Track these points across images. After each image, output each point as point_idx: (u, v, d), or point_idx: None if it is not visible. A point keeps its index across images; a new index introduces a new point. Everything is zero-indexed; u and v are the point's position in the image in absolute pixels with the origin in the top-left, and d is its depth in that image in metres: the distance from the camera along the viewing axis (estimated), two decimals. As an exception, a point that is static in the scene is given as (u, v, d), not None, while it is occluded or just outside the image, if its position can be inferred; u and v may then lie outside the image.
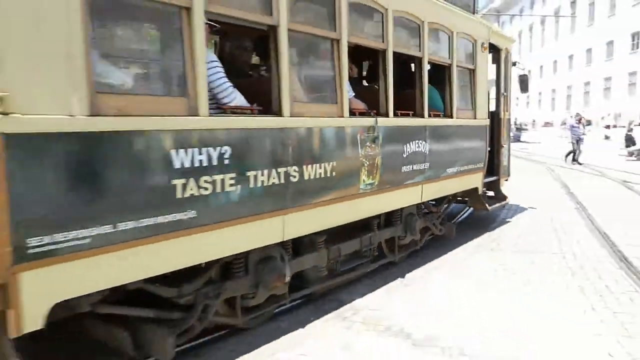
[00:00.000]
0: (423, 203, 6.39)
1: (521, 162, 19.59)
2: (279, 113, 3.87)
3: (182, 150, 3.14)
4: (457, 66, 6.51)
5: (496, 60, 8.43)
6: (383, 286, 5.28)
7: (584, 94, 51.49)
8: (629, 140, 21.70)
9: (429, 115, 5.91)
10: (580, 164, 18.41)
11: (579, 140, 19.31)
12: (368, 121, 4.85)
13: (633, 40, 43.19)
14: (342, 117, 4.51)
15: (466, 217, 9.17)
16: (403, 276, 5.60)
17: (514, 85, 9.20)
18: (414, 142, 5.63)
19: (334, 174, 4.39)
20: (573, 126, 20.15)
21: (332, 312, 4.59)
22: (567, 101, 55.70)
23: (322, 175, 4.28)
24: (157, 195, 3.04)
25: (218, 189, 3.38)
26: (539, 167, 17.56)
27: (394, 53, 5.17)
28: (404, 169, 5.48)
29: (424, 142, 5.81)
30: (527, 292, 5.07)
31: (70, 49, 2.57)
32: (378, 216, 5.48)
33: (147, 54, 3.53)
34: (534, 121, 50.69)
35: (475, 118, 7.19)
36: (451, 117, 6.47)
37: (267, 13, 3.68)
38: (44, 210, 2.55)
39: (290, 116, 3.93)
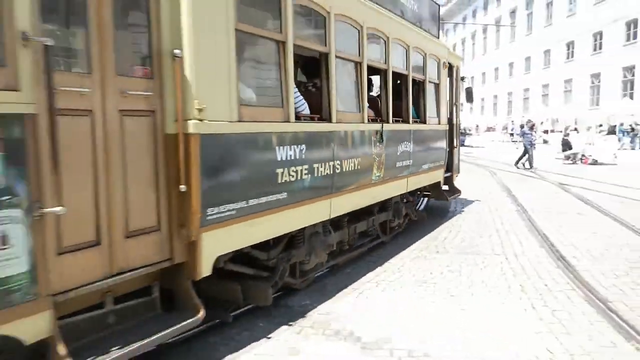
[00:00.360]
0: (406, 193, 7.69)
1: (467, 166, 20.15)
2: (329, 119, 5.14)
3: (281, 147, 4.32)
4: (429, 81, 8.08)
5: (450, 75, 9.75)
6: (333, 290, 5.31)
7: (524, 100, 53.59)
8: (566, 145, 22.67)
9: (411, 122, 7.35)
10: (532, 168, 18.85)
11: (531, 146, 19.58)
12: (377, 126, 6.20)
13: (568, 49, 45.32)
14: (363, 122, 5.88)
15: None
16: (353, 281, 5.65)
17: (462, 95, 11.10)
18: (403, 143, 7.05)
19: (359, 167, 5.70)
20: (525, 132, 20.36)
21: (281, 317, 4.58)
22: (508, 107, 57.83)
23: (352, 168, 5.56)
24: (269, 180, 4.20)
25: (298, 177, 4.56)
26: (482, 171, 18.12)
27: (387, 71, 6.61)
28: (397, 164, 6.84)
29: (409, 143, 7.23)
30: (472, 293, 5.22)
31: (230, 78, 3.78)
32: (377, 203, 6.60)
33: (262, 76, 4.64)
34: (477, 126, 52.34)
35: (439, 124, 8.81)
36: (425, 123, 7.97)
37: (323, 44, 5.09)
38: (217, 189, 3.66)
39: (336, 122, 5.21)
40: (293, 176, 4.48)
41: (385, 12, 6.48)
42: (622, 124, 33.32)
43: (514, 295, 5.13)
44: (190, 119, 3.42)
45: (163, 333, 3.25)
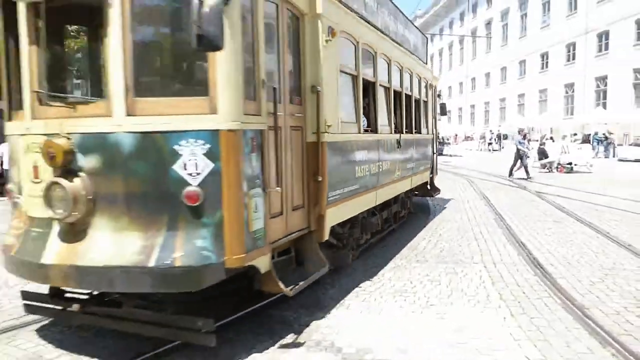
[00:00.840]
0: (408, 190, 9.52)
1: (446, 175, 20.34)
2: (375, 131, 7.13)
3: (357, 151, 6.25)
4: (422, 100, 10.46)
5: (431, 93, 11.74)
6: (314, 302, 5.30)
7: (500, 109, 54.40)
8: (542, 154, 23.02)
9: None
10: (529, 177, 18.40)
11: (524, 156, 19.19)
12: (397, 135, 8.13)
13: (542, 59, 46.20)
14: (392, 133, 7.95)
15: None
16: (333, 292, 5.65)
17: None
18: (410, 149, 9.08)
19: (390, 167, 7.66)
20: (520, 142, 19.70)
21: (261, 328, 4.55)
22: (485, 116, 58.64)
23: (387, 168, 7.50)
24: (352, 174, 6.05)
25: (364, 173, 6.45)
26: (461, 180, 18.29)
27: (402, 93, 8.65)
28: (407, 166, 8.82)
29: (413, 149, 9.33)
30: (451, 302, 5.26)
31: (337, 104, 5.62)
32: (395, 196, 8.48)
33: (347, 101, 6.17)
34: (456, 135, 52.90)
35: (429, 133, 11.23)
36: (420, 132, 10.17)
37: (373, 76, 7.08)
38: (334, 179, 5.38)
39: (379, 133, 7.23)
40: (361, 172, 6.38)
41: (403, 49, 8.88)
42: (596, 133, 34.00)
43: (493, 304, 5.17)
44: (323, 132, 5.14)
45: (316, 274, 4.98)
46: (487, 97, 57.64)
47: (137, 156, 3.70)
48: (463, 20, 63.98)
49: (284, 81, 4.73)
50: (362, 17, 6.63)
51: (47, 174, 3.84)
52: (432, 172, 11.52)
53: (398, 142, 8.11)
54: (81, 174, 3.74)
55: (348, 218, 6.07)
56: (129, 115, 3.69)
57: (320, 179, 5.09)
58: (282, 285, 4.26)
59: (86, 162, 3.78)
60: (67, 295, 4.38)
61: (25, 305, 4.45)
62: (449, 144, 42.96)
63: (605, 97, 37.28)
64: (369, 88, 7.07)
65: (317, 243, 5.20)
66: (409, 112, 9.21)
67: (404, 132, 8.58)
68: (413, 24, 10.85)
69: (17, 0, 3.92)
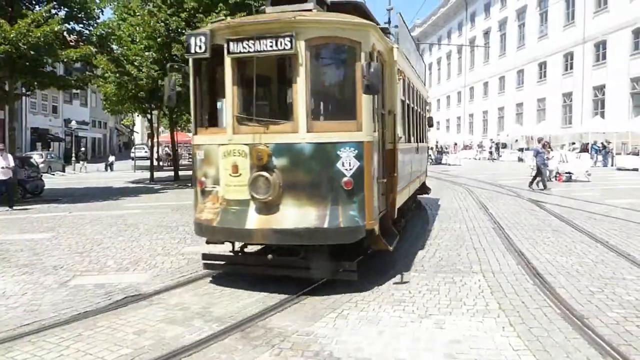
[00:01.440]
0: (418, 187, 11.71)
1: (445, 185, 20.34)
2: (409, 141, 9.07)
3: (407, 155, 8.47)
4: (424, 116, 12.46)
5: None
6: (312, 311, 5.27)
7: (499, 118, 54.48)
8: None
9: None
10: (546, 189, 17.59)
11: (543, 165, 18.30)
12: (416, 144, 10.29)
13: (540, 69, 46.37)
14: (415, 142, 10.08)
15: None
16: (332, 301, 5.62)
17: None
18: (420, 154, 11.55)
19: (413, 168, 9.60)
20: (539, 152, 18.68)
21: (260, 339, 4.53)
22: (484, 125, 58.72)
23: (413, 169, 9.62)
24: (404, 171, 7.96)
25: (408, 172, 8.58)
26: (460, 189, 18.30)
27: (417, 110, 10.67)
28: (419, 167, 11.07)
29: (421, 154, 11.69)
30: (450, 312, 5.23)
31: (402, 123, 8.10)
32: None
33: (402, 121, 8.18)
34: (455, 144, 53.02)
35: (426, 143, 13.94)
36: (424, 142, 12.77)
37: (409, 100, 9.01)
38: (400, 175, 7.49)
39: (412, 142, 9.50)
40: (407, 171, 8.50)
41: (418, 77, 11.17)
42: (595, 142, 34.08)
43: (492, 313, 5.15)
44: (396, 142, 7.31)
45: (395, 240, 6.95)
46: (485, 106, 57.82)
47: (313, 158, 5.86)
48: (461, 30, 64.29)
49: (379, 108, 6.74)
50: (408, 60, 9.07)
51: (245, 170, 5.90)
52: (425, 175, 13.71)
53: (417, 149, 10.36)
54: (275, 170, 5.79)
55: (401, 205, 8.03)
56: (308, 132, 5.83)
57: (395, 174, 7.20)
58: (386, 243, 6.41)
59: (278, 162, 5.84)
60: (244, 251, 6.78)
61: (205, 264, 6.69)
62: (448, 152, 43.00)
63: (603, 107, 37.42)
64: (405, 108, 8.74)
65: (390, 220, 7.14)
66: (419, 125, 11.19)
67: (418, 141, 10.78)
68: (419, 52, 14.64)
69: (226, 55, 5.98)
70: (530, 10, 47.46)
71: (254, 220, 5.88)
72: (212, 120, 6.90)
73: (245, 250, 6.82)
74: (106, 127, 63.90)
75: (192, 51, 6.19)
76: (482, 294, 5.82)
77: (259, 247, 7.04)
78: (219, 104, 6.81)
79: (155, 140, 33.57)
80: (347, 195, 5.81)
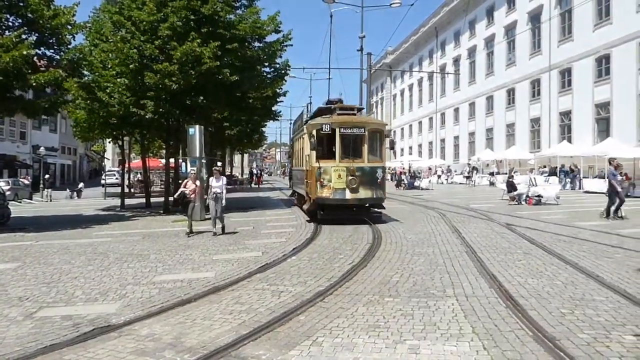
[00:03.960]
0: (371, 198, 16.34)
1: (418, 209, 20.49)
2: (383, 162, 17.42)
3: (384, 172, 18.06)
4: (383, 142, 16.88)
5: (384, 137, 17.20)
6: (286, 339, 5.21)
7: (469, 143, 55.47)
8: (510, 186, 23.47)
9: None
10: (610, 215, 15.93)
11: (617, 191, 16.01)
12: (377, 163, 16.39)
13: (509, 95, 47.59)
14: (379, 161, 16.66)
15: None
16: (306, 328, 5.56)
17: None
18: (378, 172, 16.12)
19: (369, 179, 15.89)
20: (613, 174, 16.35)
21: (233, 370, 4.44)
22: (455, 150, 59.70)
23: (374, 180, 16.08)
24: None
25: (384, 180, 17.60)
26: (433, 213, 18.46)
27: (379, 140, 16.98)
28: (377, 181, 15.99)
29: (380, 172, 16.22)
30: (424, 337, 5.23)
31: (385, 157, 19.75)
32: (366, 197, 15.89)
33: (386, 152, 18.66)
34: (429, 168, 53.65)
35: (384, 161, 17.26)
36: (382, 160, 16.84)
37: (361, 132, 16.28)
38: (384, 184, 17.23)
39: (384, 162, 17.38)
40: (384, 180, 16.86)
41: (380, 123, 19.10)
42: (563, 166, 34.89)
43: (466, 337, 5.16)
44: (385, 165, 18.01)
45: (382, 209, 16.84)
46: (456, 131, 58.88)
47: (369, 172, 15.58)
48: (432, 58, 65.75)
49: (384, 151, 16.84)
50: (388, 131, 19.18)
51: (344, 176, 15.21)
52: (384, 189, 16.87)
53: (383, 168, 16.73)
54: (357, 176, 15.20)
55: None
56: (367, 162, 15.77)
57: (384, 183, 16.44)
58: (385, 208, 16.92)
59: (357, 173, 15.33)
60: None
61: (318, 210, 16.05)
62: (420, 177, 43.43)
63: (569, 131, 38.47)
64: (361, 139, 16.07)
65: (382, 203, 16.41)
66: (381, 149, 16.91)
67: (381, 162, 16.77)
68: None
69: (336, 130, 15.44)
70: (498, 39, 48.88)
71: (348, 196, 15.30)
72: (324, 155, 15.96)
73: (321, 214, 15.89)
74: (76, 154, 62.92)
75: (323, 130, 15.49)
76: (455, 318, 5.84)
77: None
78: (331, 150, 15.83)
79: (126, 166, 33.17)
80: (380, 186, 15.95)
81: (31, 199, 34.44)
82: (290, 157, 28.32)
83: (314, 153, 15.53)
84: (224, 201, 13.70)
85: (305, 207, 17.74)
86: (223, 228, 13.87)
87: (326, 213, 15.66)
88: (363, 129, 15.55)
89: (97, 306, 6.71)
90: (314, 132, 15.48)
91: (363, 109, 21.20)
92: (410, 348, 4.91)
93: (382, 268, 8.74)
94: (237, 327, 5.64)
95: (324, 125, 15.45)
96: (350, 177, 15.02)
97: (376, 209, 16.52)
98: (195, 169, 16.53)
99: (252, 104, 23.76)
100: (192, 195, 14.21)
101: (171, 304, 6.64)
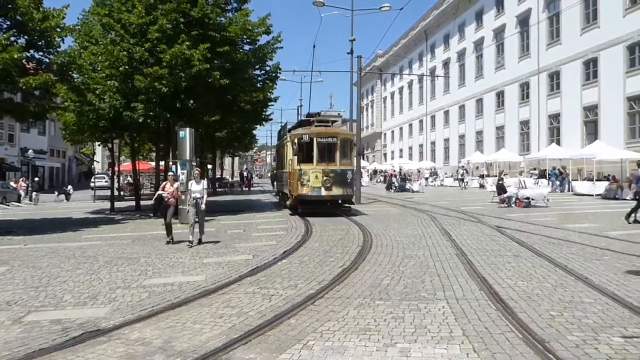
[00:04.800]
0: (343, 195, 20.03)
1: (410, 212, 20.55)
2: (351, 165, 21.61)
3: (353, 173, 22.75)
4: (351, 149, 21.11)
5: (353, 145, 21.66)
6: (276, 343, 5.20)
7: (459, 146, 55.73)
8: (500, 189, 23.61)
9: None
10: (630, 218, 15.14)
11: None
12: (347, 166, 20.14)
13: (498, 98, 47.87)
14: (349, 165, 20.59)
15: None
16: (297, 332, 5.56)
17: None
18: (347, 174, 19.83)
19: (340, 179, 19.66)
20: (639, 177, 15.26)
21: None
22: (445, 153, 59.91)
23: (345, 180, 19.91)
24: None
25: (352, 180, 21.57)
26: (424, 216, 18.53)
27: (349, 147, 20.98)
28: (347, 181, 19.78)
29: (349, 174, 20.04)
30: (415, 339, 5.24)
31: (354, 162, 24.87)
32: (340, 195, 19.73)
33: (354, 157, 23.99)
34: (418, 170, 53.76)
35: (353, 165, 21.64)
36: (352, 164, 21.09)
37: (334, 140, 20.35)
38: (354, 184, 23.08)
39: (352, 165, 21.66)
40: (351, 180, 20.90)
41: (350, 134, 23.38)
42: (554, 168, 35.16)
43: (457, 340, 5.18)
44: (354, 168, 22.72)
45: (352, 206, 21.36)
46: (446, 134, 59.14)
47: (341, 173, 19.29)
48: (422, 61, 65.98)
49: (353, 156, 21.75)
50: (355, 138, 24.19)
51: (320, 177, 18.77)
52: (352, 192, 20.94)
53: (352, 171, 20.47)
54: (331, 177, 18.82)
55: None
56: (339, 165, 19.36)
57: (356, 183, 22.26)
58: (355, 203, 22.02)
59: (331, 174, 18.96)
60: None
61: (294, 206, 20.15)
62: (410, 180, 43.53)
63: (558, 134, 38.78)
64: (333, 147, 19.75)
65: (352, 200, 20.90)
66: (350, 154, 20.91)
67: (339, 166, 19.51)
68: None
69: (313, 139, 19.04)
70: (487, 42, 49.20)
71: (323, 193, 18.82)
72: (303, 160, 18.99)
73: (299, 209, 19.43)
74: (65, 156, 62.48)
75: (303, 140, 18.92)
76: (446, 320, 5.86)
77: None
78: (310, 155, 19.14)
79: (116, 169, 32.99)
80: (349, 185, 19.87)
81: (19, 202, 34.11)
82: (276, 162, 35.24)
83: (295, 158, 19.12)
84: (203, 205, 12.55)
85: (288, 202, 21.22)
86: (200, 239, 12.45)
87: (305, 207, 19.19)
88: (336, 138, 19.38)
89: (87, 310, 6.67)
90: (296, 141, 19.16)
91: (337, 121, 25.69)
92: (400, 351, 4.92)
93: (373, 271, 8.75)
94: (228, 330, 5.63)
95: (303, 135, 19.09)
96: (325, 178, 18.74)
97: (346, 204, 20.31)
98: (172, 173, 16.00)
99: (242, 107, 23.74)
100: (171, 199, 13.00)
101: (161, 308, 6.61)
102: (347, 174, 19.48)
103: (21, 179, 37.14)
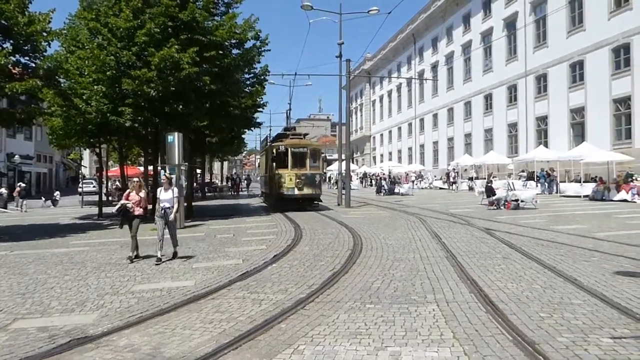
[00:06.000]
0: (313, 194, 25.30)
1: (399, 215, 20.59)
2: (321, 170, 27.85)
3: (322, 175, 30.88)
4: (320, 157, 26.85)
5: (320, 154, 26.97)
6: (267, 347, 5.16)
7: (448, 148, 55.94)
8: (489, 191, 23.73)
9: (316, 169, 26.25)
10: None
11: None
12: (316, 171, 25.49)
13: (486, 101, 48.14)
14: (318, 170, 26.01)
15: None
16: (287, 336, 5.53)
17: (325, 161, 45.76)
18: (316, 177, 25.17)
19: (309, 180, 24.85)
20: None
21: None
22: (434, 155, 60.12)
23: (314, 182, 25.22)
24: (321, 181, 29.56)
25: (320, 181, 27.51)
26: (413, 219, 18.56)
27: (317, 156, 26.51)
28: (316, 182, 25.05)
29: (318, 177, 25.48)
30: (406, 343, 5.23)
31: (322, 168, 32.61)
32: (309, 194, 24.84)
33: (321, 163, 29.68)
34: (406, 174, 53.94)
35: (321, 170, 27.18)
36: (320, 169, 26.29)
37: (304, 149, 26.25)
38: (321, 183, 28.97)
39: (321, 170, 28.77)
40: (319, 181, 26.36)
41: (318, 145, 31.82)
42: (542, 170, 35.41)
43: (447, 343, 5.18)
44: (324, 172, 39.65)
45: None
46: (435, 137, 59.37)
47: (310, 176, 24.47)
48: (410, 64, 66.28)
49: (322, 163, 27.62)
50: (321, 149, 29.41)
51: (293, 180, 23.82)
52: (320, 191, 25.77)
53: (320, 175, 25.78)
54: (302, 179, 24.10)
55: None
56: (309, 170, 24.53)
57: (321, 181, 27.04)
58: (322, 201, 26.55)
59: (303, 177, 24.02)
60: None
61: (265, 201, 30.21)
62: (400, 183, 43.63)
63: (546, 136, 39.07)
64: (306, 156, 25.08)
65: (320, 198, 25.86)
66: (320, 160, 25.60)
67: (311, 170, 24.66)
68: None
69: (288, 149, 24.25)
70: (475, 45, 49.52)
71: (296, 192, 23.86)
72: (280, 166, 24.50)
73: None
74: (52, 162, 61.91)
75: (280, 150, 24.24)
76: (436, 323, 5.85)
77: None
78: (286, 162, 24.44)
79: (104, 174, 32.74)
80: (318, 186, 24.95)
81: (6, 208, 33.70)
82: (259, 167, 44.50)
83: (274, 164, 24.89)
84: (172, 216, 10.96)
85: (268, 200, 28.99)
86: (175, 253, 11.16)
87: (282, 203, 24.24)
88: (306, 149, 24.74)
89: (74, 317, 6.59)
90: (274, 151, 24.81)
91: (307, 134, 30.96)
92: (391, 355, 4.90)
93: (363, 275, 8.74)
94: (218, 336, 5.58)
95: (280, 146, 24.53)
96: (298, 180, 23.87)
97: (315, 201, 25.36)
98: (137, 178, 14.02)
99: (231, 112, 23.68)
100: (137, 209, 11.18)
101: (150, 314, 6.54)
102: (315, 177, 24.76)
103: (18, 184, 36.67)
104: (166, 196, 11.02)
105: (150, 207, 14.52)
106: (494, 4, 46.11)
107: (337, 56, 28.71)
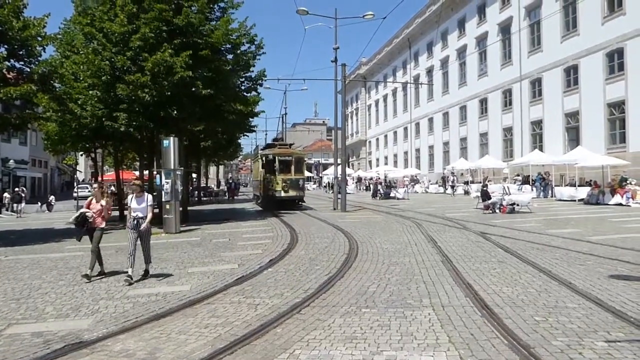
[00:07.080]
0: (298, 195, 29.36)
1: (395, 219, 20.60)
2: (303, 175, 32.60)
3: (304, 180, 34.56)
4: (305, 164, 32.36)
5: (304, 161, 31.37)
6: (262, 352, 5.15)
7: (444, 153, 56.05)
8: (485, 195, 23.78)
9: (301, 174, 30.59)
10: None
11: None
12: (300, 176, 29.70)
13: (481, 105, 48.30)
14: (302, 175, 30.40)
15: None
16: (283, 341, 5.52)
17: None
18: (300, 181, 29.42)
19: (294, 184, 28.89)
20: None
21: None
22: (430, 160, 60.23)
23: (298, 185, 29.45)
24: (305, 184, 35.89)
25: (304, 185, 32.38)
26: (410, 223, 18.58)
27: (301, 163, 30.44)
28: (300, 186, 29.34)
29: (301, 181, 29.83)
30: (401, 347, 5.23)
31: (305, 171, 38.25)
32: (295, 196, 28.85)
33: (303, 169, 34.42)
34: (403, 177, 53.98)
35: (304, 175, 31.83)
36: (303, 175, 31.14)
37: (289, 157, 30.20)
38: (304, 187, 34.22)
39: (304, 175, 33.44)
40: (303, 185, 31.29)
41: (302, 153, 34.15)
42: (538, 174, 35.51)
43: (443, 347, 5.18)
44: (305, 176, 37.05)
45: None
46: (431, 141, 59.49)
47: (295, 181, 28.47)
48: (406, 68, 66.44)
49: (303, 169, 31.37)
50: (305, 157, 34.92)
51: (280, 183, 27.74)
52: (303, 193, 29.65)
53: (304, 179, 30.79)
54: (287, 183, 28.21)
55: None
56: (294, 175, 28.66)
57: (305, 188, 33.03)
58: (305, 202, 30.84)
59: (289, 182, 28.08)
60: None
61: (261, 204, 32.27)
62: (395, 187, 43.64)
63: (541, 140, 39.21)
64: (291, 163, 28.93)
65: (302, 198, 29.94)
66: (304, 167, 30.47)
67: (302, 175, 30.00)
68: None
69: (275, 157, 28.38)
70: (470, 49, 49.70)
71: (283, 194, 27.73)
72: (269, 172, 28.50)
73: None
74: (47, 167, 61.71)
75: (269, 158, 28.62)
76: (432, 327, 5.86)
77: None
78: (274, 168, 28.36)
79: (99, 179, 32.65)
80: (301, 189, 29.36)
81: (0, 213, 33.55)
82: (251, 173, 45.82)
83: (263, 170, 28.95)
84: (144, 225, 9.32)
85: (259, 201, 32.48)
86: (147, 271, 9.63)
87: (271, 204, 27.86)
88: (291, 157, 28.63)
89: (69, 322, 6.56)
90: (264, 158, 29.22)
91: (293, 144, 36.27)
92: (387, 359, 4.91)
93: (359, 279, 8.74)
94: (213, 340, 5.57)
95: (269, 155, 28.79)
96: (284, 184, 27.72)
97: (299, 202, 29.13)
98: (97, 185, 12.41)
99: (227, 117, 23.67)
100: (98, 219, 9.82)
101: (145, 319, 6.52)
102: (299, 181, 28.90)
103: (20, 188, 36.56)
104: (138, 205, 9.48)
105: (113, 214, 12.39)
106: (489, 9, 46.33)
107: (333, 61, 28.75)
